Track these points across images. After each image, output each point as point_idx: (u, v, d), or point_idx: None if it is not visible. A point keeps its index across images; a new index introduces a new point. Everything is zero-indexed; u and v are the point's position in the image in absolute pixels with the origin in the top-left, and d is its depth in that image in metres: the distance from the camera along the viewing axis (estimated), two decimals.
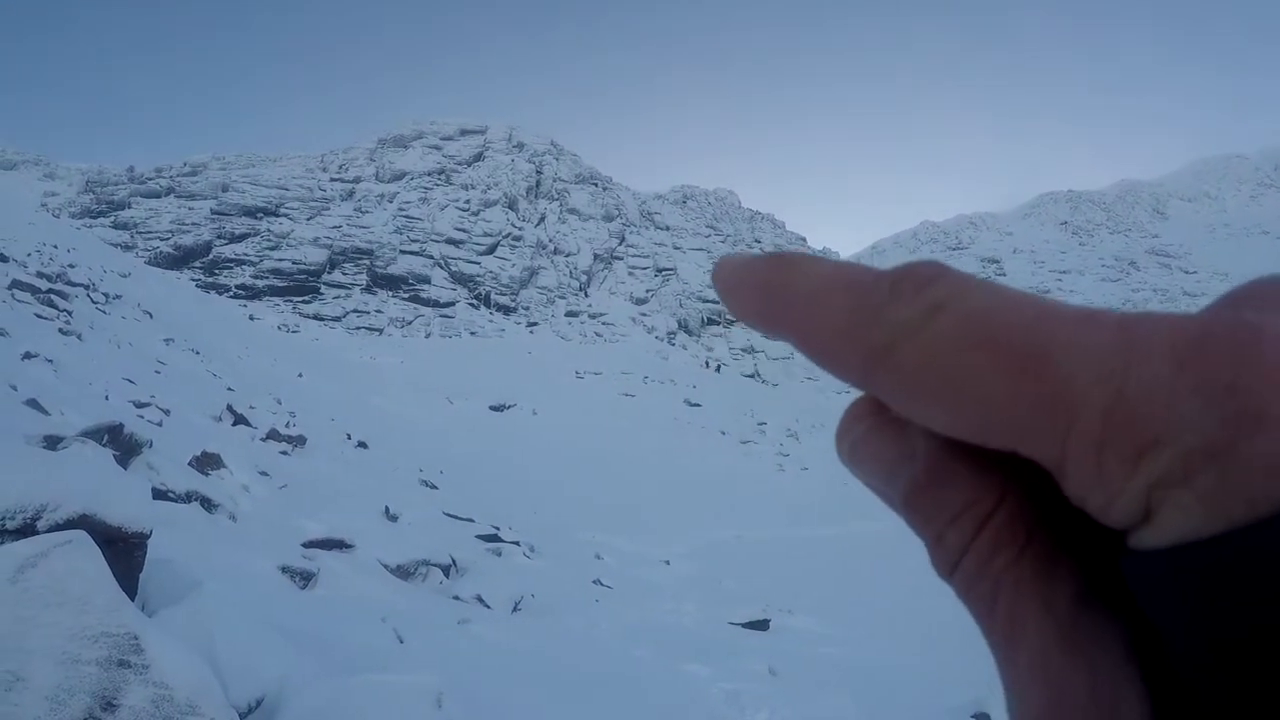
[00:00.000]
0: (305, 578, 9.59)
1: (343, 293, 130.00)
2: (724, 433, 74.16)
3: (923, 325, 0.28)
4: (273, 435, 22.17)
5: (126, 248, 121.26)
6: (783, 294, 0.30)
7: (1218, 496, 0.23)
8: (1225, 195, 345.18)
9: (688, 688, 10.22)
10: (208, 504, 11.50)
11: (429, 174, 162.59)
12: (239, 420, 22.90)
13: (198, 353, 41.78)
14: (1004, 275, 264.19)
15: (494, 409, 64.63)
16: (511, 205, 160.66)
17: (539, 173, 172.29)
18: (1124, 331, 0.25)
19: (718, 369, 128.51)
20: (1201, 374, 0.23)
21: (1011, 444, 0.27)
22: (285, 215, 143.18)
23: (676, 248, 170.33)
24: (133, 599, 5.26)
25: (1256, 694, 0.22)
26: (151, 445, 12.01)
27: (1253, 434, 0.23)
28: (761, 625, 16.82)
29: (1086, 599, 0.28)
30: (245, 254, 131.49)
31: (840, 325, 0.29)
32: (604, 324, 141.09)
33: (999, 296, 0.27)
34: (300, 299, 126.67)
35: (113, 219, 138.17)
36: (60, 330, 27.66)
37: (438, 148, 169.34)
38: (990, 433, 0.27)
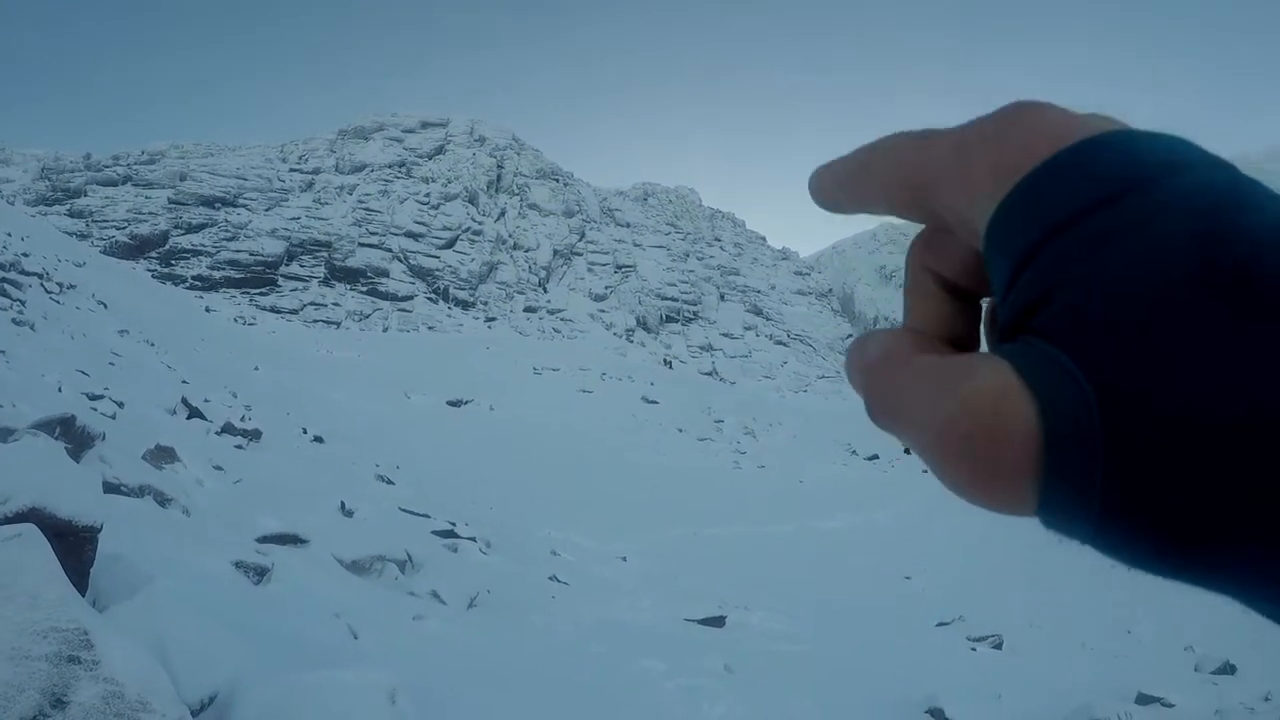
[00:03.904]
0: (259, 573, 9.52)
1: (300, 285, 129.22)
2: (681, 430, 74.27)
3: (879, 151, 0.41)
4: (228, 429, 21.99)
5: (82, 236, 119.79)
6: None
7: (992, 174, 0.36)
8: None
9: (643, 684, 10.24)
10: (161, 498, 11.38)
11: (389, 166, 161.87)
12: (194, 413, 22.68)
13: (153, 344, 41.34)
14: None
15: (451, 404, 64.43)
16: (472, 199, 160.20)
17: (500, 167, 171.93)
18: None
19: (669, 365, 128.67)
20: (991, 116, 0.37)
21: (923, 189, 0.40)
22: (243, 206, 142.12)
23: (637, 245, 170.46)
24: (83, 594, 5.21)
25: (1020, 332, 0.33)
26: (104, 438, 11.87)
27: (1012, 132, 0.35)
28: (717, 622, 16.87)
29: (965, 280, 0.42)
30: (202, 244, 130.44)
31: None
32: (563, 320, 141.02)
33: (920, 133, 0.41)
34: (257, 291, 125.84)
35: (68, 207, 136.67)
36: (13, 320, 27.29)
37: (399, 140, 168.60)
38: (913, 187, 0.40)
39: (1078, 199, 0.32)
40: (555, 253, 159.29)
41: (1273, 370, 0.25)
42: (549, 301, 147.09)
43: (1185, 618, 24.89)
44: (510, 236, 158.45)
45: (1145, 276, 0.29)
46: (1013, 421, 0.29)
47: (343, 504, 17.21)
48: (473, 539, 18.49)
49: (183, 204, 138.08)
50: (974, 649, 20.19)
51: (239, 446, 20.84)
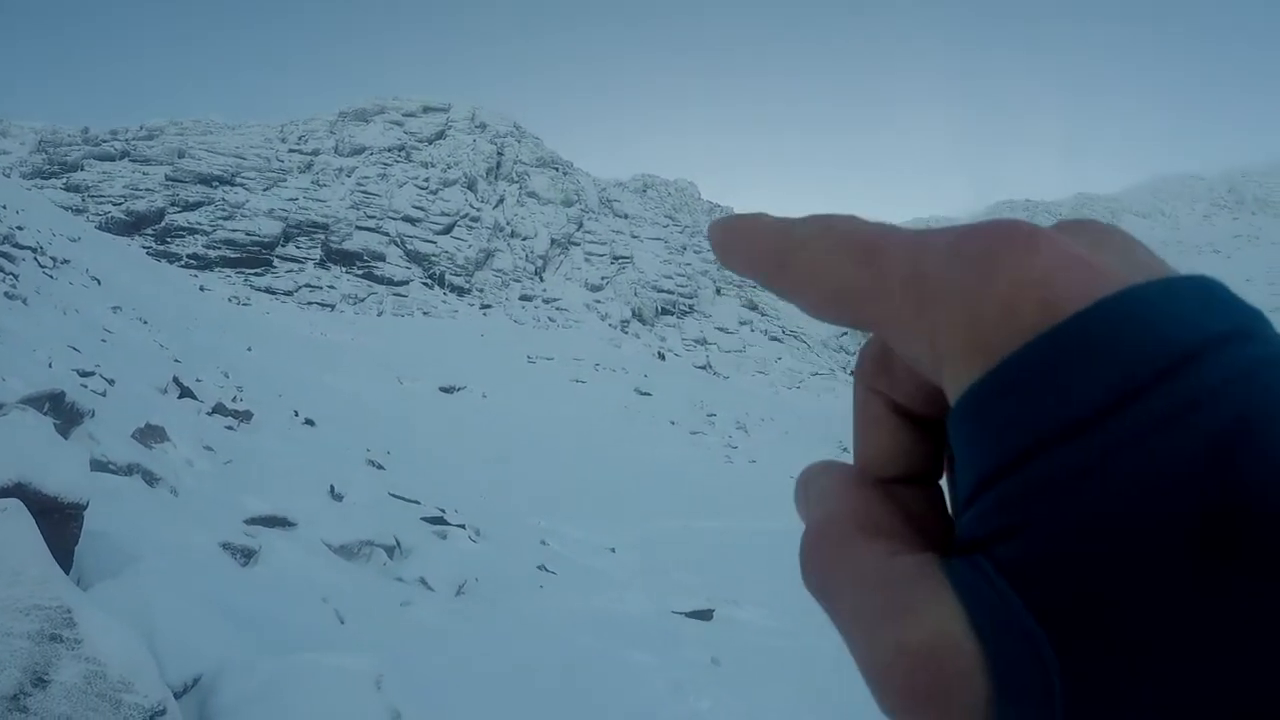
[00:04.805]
0: (246, 555, 9.48)
1: (296, 267, 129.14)
2: (673, 423, 74.34)
3: (812, 238, 0.34)
4: (219, 409, 21.93)
5: (78, 211, 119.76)
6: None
7: (964, 343, 0.29)
8: (1179, 213, 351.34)
9: (631, 676, 10.22)
10: (149, 477, 11.32)
11: (389, 150, 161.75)
12: (185, 393, 22.62)
13: (145, 322, 41.32)
14: None
15: (444, 390, 64.44)
16: (471, 186, 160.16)
17: (500, 154, 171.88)
18: (928, 230, 0.32)
19: (663, 357, 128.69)
20: (962, 247, 0.30)
21: (861, 317, 0.33)
22: (241, 185, 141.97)
23: (634, 236, 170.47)
24: (67, 571, 5.17)
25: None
26: (94, 415, 11.83)
27: (993, 281, 0.28)
28: (706, 615, 16.84)
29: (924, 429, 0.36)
30: (198, 223, 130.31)
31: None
32: (558, 309, 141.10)
33: (862, 222, 0.34)
34: (252, 271, 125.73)
35: (65, 181, 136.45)
36: (5, 294, 27.22)
37: (399, 124, 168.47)
38: (848, 309, 0.34)
39: (1070, 405, 0.26)
40: (552, 242, 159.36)
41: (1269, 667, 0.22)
42: (545, 290, 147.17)
43: None
44: (508, 224, 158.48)
45: (1132, 529, 0.24)
46: (957, 686, 0.26)
47: (332, 488, 17.17)
48: (462, 526, 18.45)
49: (180, 181, 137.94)
50: None
51: (230, 427, 20.78)
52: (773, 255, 0.36)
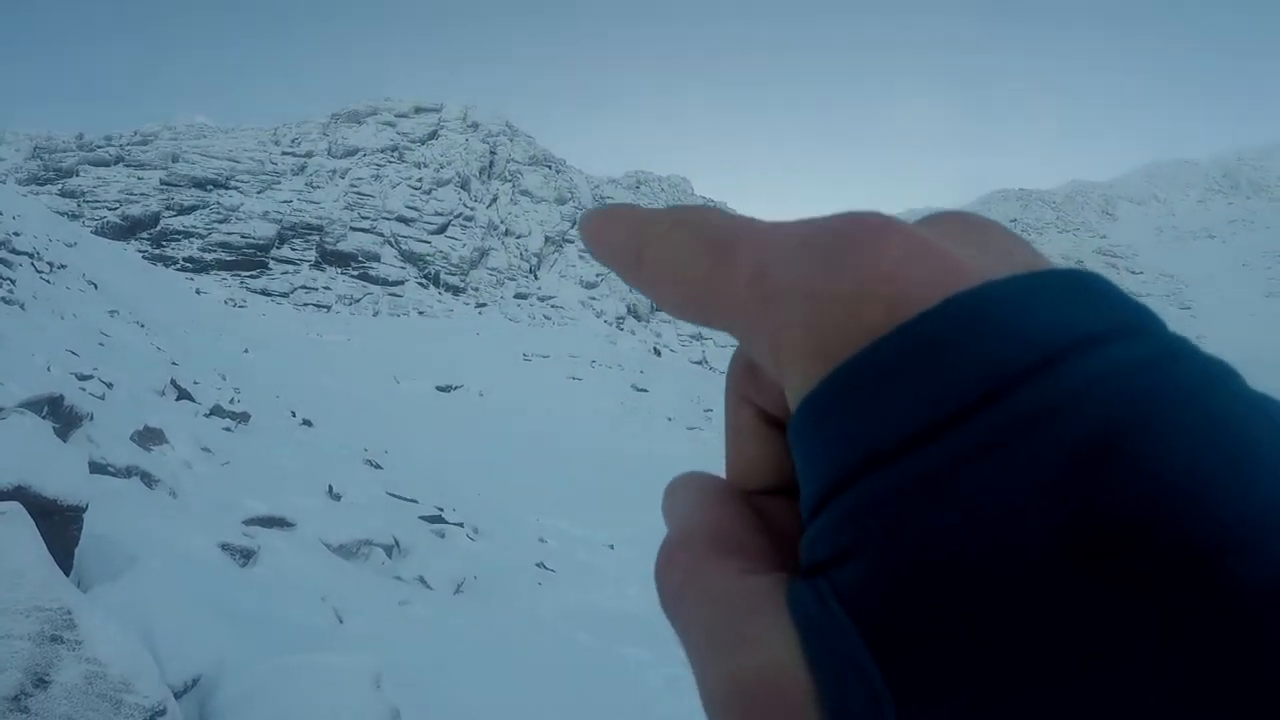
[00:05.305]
0: (245, 556, 9.52)
1: (291, 268, 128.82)
2: (670, 419, 74.28)
3: (667, 232, 0.32)
4: (216, 411, 21.96)
5: (73, 217, 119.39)
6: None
7: (802, 348, 0.26)
8: (1174, 199, 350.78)
9: (628, 672, 10.27)
10: (148, 479, 11.36)
11: (382, 151, 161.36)
12: (183, 395, 22.66)
13: (143, 326, 41.34)
14: None
15: (441, 389, 64.43)
16: (464, 185, 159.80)
17: (493, 153, 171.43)
18: (783, 222, 0.29)
19: (659, 353, 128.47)
20: (810, 240, 0.27)
21: (711, 317, 0.31)
22: (235, 188, 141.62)
23: None
24: (68, 573, 5.21)
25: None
26: (92, 418, 11.85)
27: (839, 279, 0.25)
28: None
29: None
30: (193, 226, 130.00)
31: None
32: (553, 307, 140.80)
33: (721, 215, 0.31)
34: (248, 274, 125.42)
35: (60, 187, 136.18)
36: (3, 299, 27.27)
37: (392, 124, 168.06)
38: (698, 308, 0.31)
39: (911, 414, 0.23)
40: (547, 240, 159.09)
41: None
42: (540, 288, 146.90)
43: None
44: (502, 223, 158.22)
45: (976, 551, 0.21)
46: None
47: (330, 488, 17.21)
48: (460, 525, 18.50)
49: (175, 185, 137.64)
50: None
51: (227, 429, 20.82)
52: (630, 248, 0.34)
